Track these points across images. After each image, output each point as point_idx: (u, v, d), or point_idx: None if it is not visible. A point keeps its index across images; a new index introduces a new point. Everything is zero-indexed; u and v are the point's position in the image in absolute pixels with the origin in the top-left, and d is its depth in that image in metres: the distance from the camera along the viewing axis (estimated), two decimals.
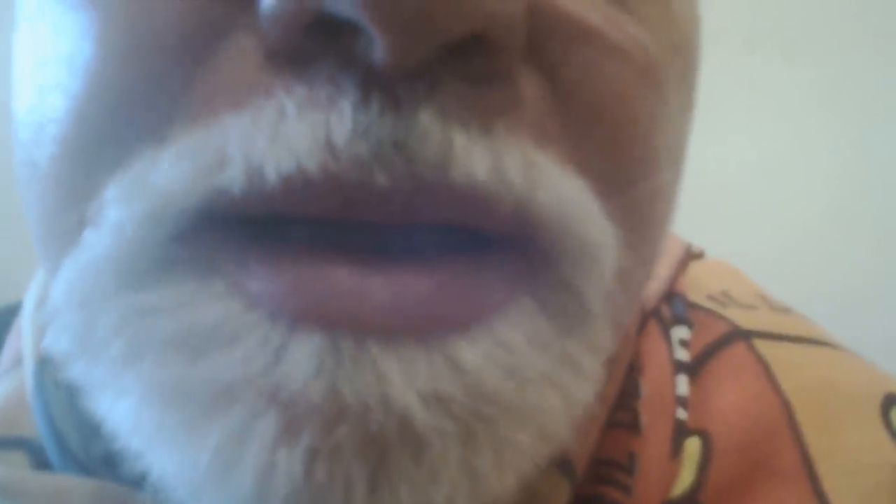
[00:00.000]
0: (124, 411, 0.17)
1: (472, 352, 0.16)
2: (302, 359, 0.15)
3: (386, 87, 0.15)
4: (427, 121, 0.15)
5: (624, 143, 0.18)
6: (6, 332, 0.29)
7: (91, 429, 0.23)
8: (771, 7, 1.06)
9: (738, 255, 0.39)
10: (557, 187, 0.17)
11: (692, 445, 0.25)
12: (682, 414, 0.25)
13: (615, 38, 0.18)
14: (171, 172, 0.16)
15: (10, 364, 0.27)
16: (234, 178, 0.15)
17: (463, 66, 0.15)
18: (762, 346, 0.27)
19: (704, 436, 0.25)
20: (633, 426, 0.24)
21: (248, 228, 0.16)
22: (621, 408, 0.25)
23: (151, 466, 0.17)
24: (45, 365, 0.25)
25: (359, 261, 0.16)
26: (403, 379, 0.15)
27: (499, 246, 0.17)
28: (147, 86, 0.16)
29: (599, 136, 0.18)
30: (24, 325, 0.27)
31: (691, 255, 0.31)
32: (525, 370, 0.17)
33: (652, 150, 0.19)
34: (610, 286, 0.18)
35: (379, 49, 0.14)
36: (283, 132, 0.15)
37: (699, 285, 0.30)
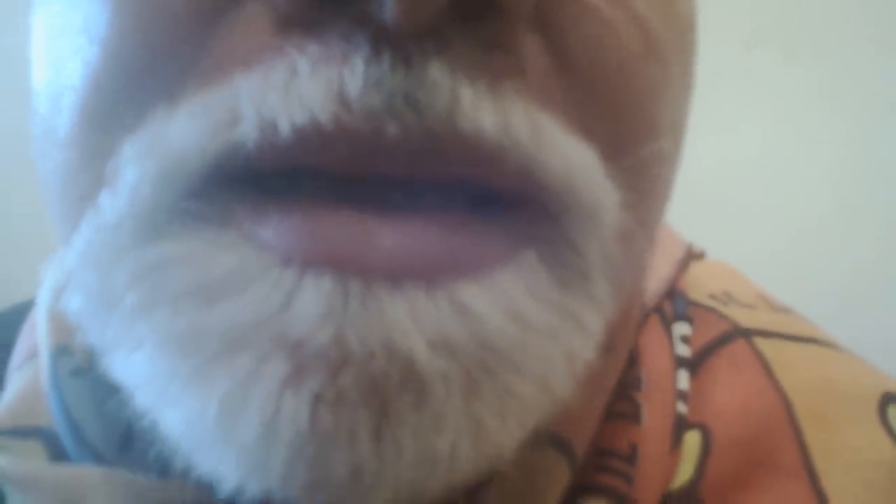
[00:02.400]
0: (138, 364, 0.17)
1: (478, 297, 0.16)
2: (311, 301, 0.16)
3: (397, 45, 0.15)
4: (436, 74, 0.15)
5: (625, 112, 0.19)
6: (17, 330, 0.29)
7: (106, 414, 0.23)
8: (770, 5, 1.06)
9: (739, 253, 0.39)
10: (561, 147, 0.17)
11: (692, 439, 0.25)
12: (682, 408, 0.25)
13: (617, 11, 0.18)
14: (184, 130, 0.16)
15: (26, 357, 0.28)
16: (247, 132, 0.16)
17: (472, 30, 0.16)
18: (762, 344, 0.28)
19: (704, 430, 0.25)
20: (634, 417, 0.25)
21: (262, 185, 0.17)
22: (622, 398, 0.25)
23: (160, 422, 0.18)
24: (60, 355, 0.25)
25: (368, 209, 0.16)
26: (410, 322, 0.16)
27: (504, 202, 0.17)
28: (161, 51, 0.17)
29: (601, 105, 0.18)
30: (40, 315, 0.27)
31: (692, 255, 0.32)
32: (527, 320, 0.17)
33: (653, 118, 0.19)
34: (612, 246, 0.18)
35: (388, 7, 0.15)
36: (296, 87, 0.15)
37: (700, 284, 0.30)
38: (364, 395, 0.16)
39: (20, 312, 0.30)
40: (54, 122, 0.19)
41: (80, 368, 0.25)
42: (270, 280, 0.16)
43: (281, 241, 0.16)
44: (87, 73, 0.18)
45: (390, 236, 0.16)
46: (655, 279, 0.29)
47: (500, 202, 0.17)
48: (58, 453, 0.24)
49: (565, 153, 0.17)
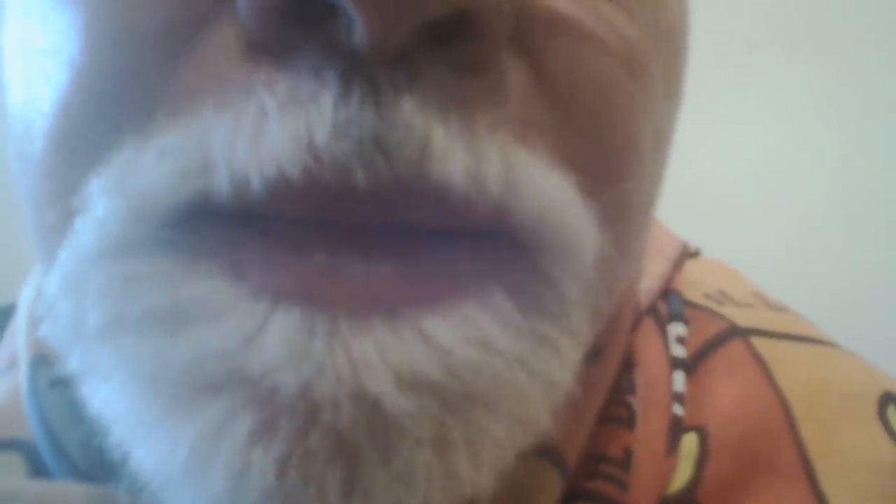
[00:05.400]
0: (110, 396, 0.17)
1: (443, 327, 0.16)
2: (278, 337, 0.15)
3: (367, 76, 0.15)
4: (408, 113, 0.15)
5: (606, 132, 0.18)
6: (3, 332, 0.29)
7: (87, 429, 0.23)
8: (772, 4, 1.05)
9: (741, 254, 0.39)
10: (537, 187, 0.17)
11: (689, 442, 0.25)
12: (678, 410, 0.25)
13: (597, 29, 0.18)
14: (153, 171, 0.16)
15: (6, 366, 0.27)
16: (218, 183, 0.15)
17: (448, 53, 0.15)
18: (760, 343, 0.27)
19: (702, 432, 0.25)
20: (629, 421, 0.24)
21: (235, 217, 0.16)
22: (615, 403, 0.25)
23: (132, 458, 0.17)
24: (38, 365, 0.25)
25: (338, 246, 0.16)
26: (376, 357, 0.15)
27: (474, 236, 0.17)
28: (129, 78, 0.16)
29: (583, 126, 0.18)
30: (19, 324, 0.27)
31: (687, 254, 0.31)
32: (495, 346, 0.16)
33: (634, 139, 0.19)
34: (589, 275, 0.18)
35: (359, 30, 0.14)
36: (265, 134, 0.15)
37: (695, 284, 0.30)
38: (332, 452, 0.15)
39: (11, 313, 0.29)
40: (27, 148, 0.18)
41: (59, 379, 0.24)
42: (240, 312, 0.16)
43: (255, 273, 0.16)
44: (57, 100, 0.17)
45: (358, 272, 0.16)
46: (649, 279, 0.28)
47: (470, 235, 0.17)
48: (37, 466, 0.24)
49: (541, 193, 0.17)
